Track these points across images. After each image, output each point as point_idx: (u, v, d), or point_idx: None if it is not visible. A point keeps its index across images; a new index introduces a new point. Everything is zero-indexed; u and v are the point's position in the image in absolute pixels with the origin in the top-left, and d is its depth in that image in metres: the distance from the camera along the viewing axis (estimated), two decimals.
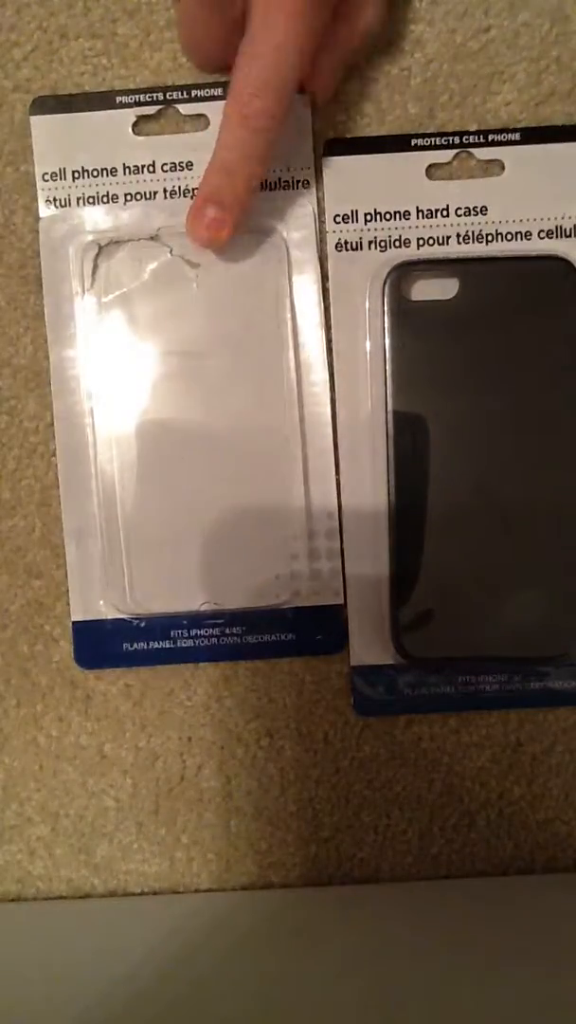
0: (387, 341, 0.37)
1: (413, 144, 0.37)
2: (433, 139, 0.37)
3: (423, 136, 0.37)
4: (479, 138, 0.37)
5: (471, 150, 0.37)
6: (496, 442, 0.37)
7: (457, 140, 0.37)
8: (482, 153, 0.37)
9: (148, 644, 0.38)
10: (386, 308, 0.37)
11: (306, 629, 0.38)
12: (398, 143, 0.37)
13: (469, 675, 0.38)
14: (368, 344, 0.37)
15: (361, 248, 0.37)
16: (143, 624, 0.38)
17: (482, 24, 0.37)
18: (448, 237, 0.37)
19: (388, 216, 0.37)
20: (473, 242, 0.37)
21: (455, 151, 0.37)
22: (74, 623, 0.38)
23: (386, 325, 0.37)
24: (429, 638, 0.37)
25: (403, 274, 0.37)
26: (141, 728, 0.39)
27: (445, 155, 0.37)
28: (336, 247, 0.37)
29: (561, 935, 0.35)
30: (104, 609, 0.38)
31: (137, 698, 0.39)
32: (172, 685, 0.39)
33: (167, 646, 0.38)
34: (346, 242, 0.37)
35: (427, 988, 0.33)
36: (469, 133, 0.37)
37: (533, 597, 0.37)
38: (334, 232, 0.37)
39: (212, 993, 0.33)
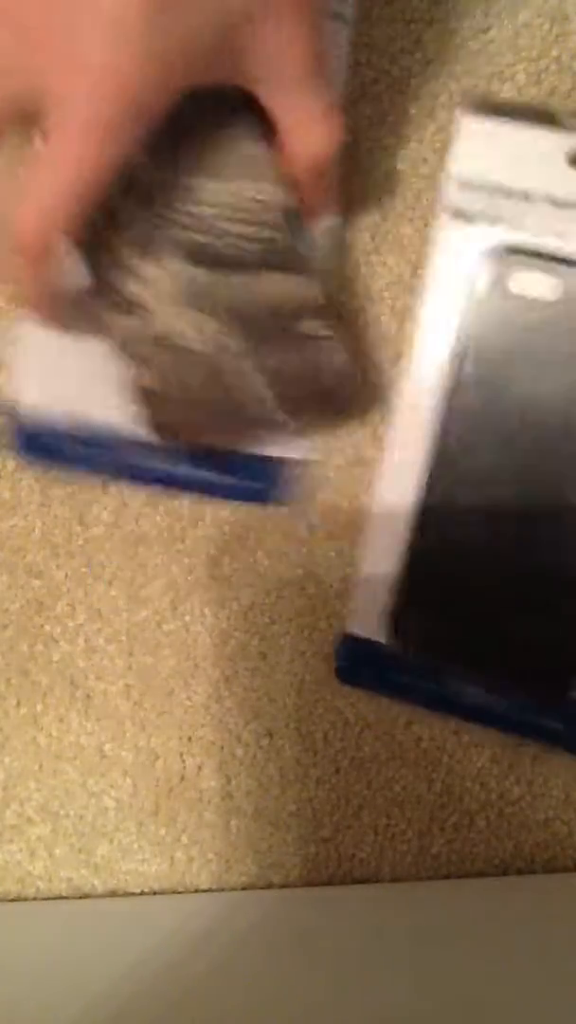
0: (470, 326, 0.34)
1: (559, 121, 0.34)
2: None
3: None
4: None
5: None
6: (553, 461, 0.34)
7: None
8: None
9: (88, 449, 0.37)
10: (478, 291, 0.34)
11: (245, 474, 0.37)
12: (543, 117, 0.33)
13: (460, 683, 0.36)
14: (453, 322, 0.35)
15: (475, 221, 0.34)
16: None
17: (482, 24, 0.37)
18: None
19: (516, 195, 0.34)
20: None
21: None
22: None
23: (475, 309, 0.34)
24: (425, 634, 0.36)
25: (506, 259, 0.34)
26: (141, 728, 0.39)
27: None
28: (449, 213, 0.34)
29: (561, 935, 0.35)
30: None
31: (137, 698, 0.39)
32: (172, 685, 0.39)
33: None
34: (462, 210, 0.34)
35: (427, 988, 0.33)
36: None
37: (540, 640, 0.35)
38: (451, 199, 0.34)
39: (212, 993, 0.33)
